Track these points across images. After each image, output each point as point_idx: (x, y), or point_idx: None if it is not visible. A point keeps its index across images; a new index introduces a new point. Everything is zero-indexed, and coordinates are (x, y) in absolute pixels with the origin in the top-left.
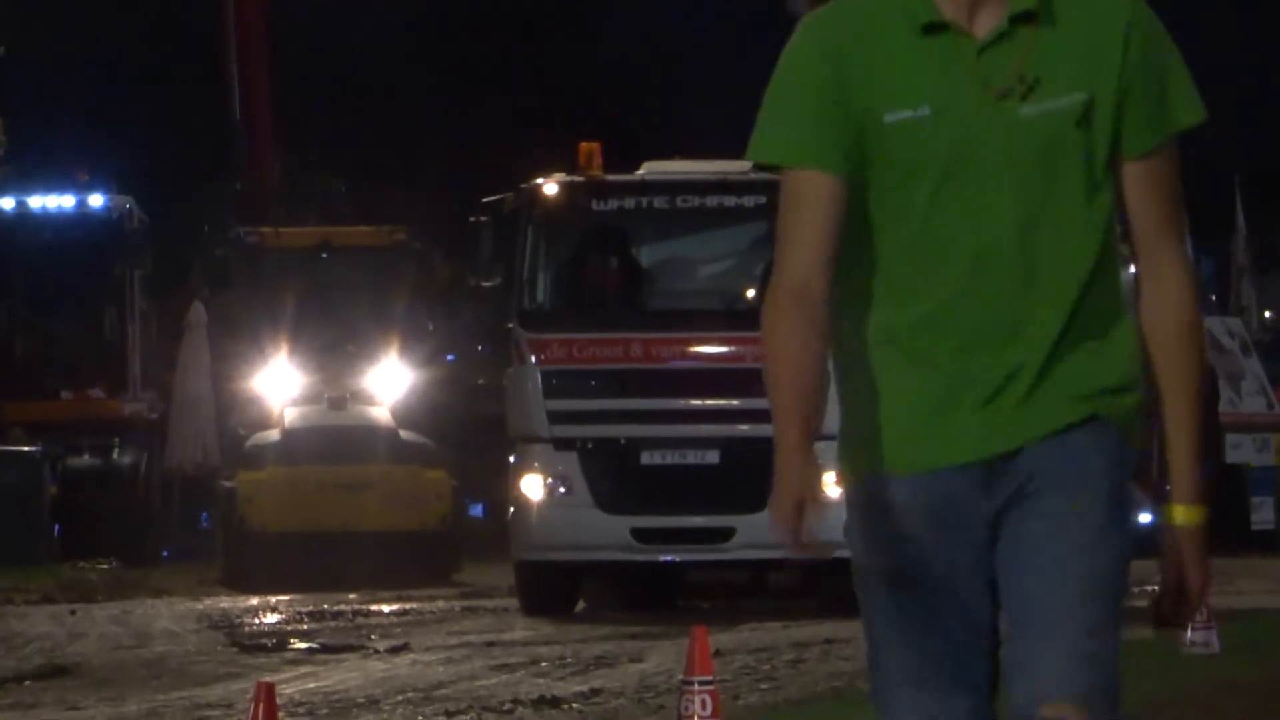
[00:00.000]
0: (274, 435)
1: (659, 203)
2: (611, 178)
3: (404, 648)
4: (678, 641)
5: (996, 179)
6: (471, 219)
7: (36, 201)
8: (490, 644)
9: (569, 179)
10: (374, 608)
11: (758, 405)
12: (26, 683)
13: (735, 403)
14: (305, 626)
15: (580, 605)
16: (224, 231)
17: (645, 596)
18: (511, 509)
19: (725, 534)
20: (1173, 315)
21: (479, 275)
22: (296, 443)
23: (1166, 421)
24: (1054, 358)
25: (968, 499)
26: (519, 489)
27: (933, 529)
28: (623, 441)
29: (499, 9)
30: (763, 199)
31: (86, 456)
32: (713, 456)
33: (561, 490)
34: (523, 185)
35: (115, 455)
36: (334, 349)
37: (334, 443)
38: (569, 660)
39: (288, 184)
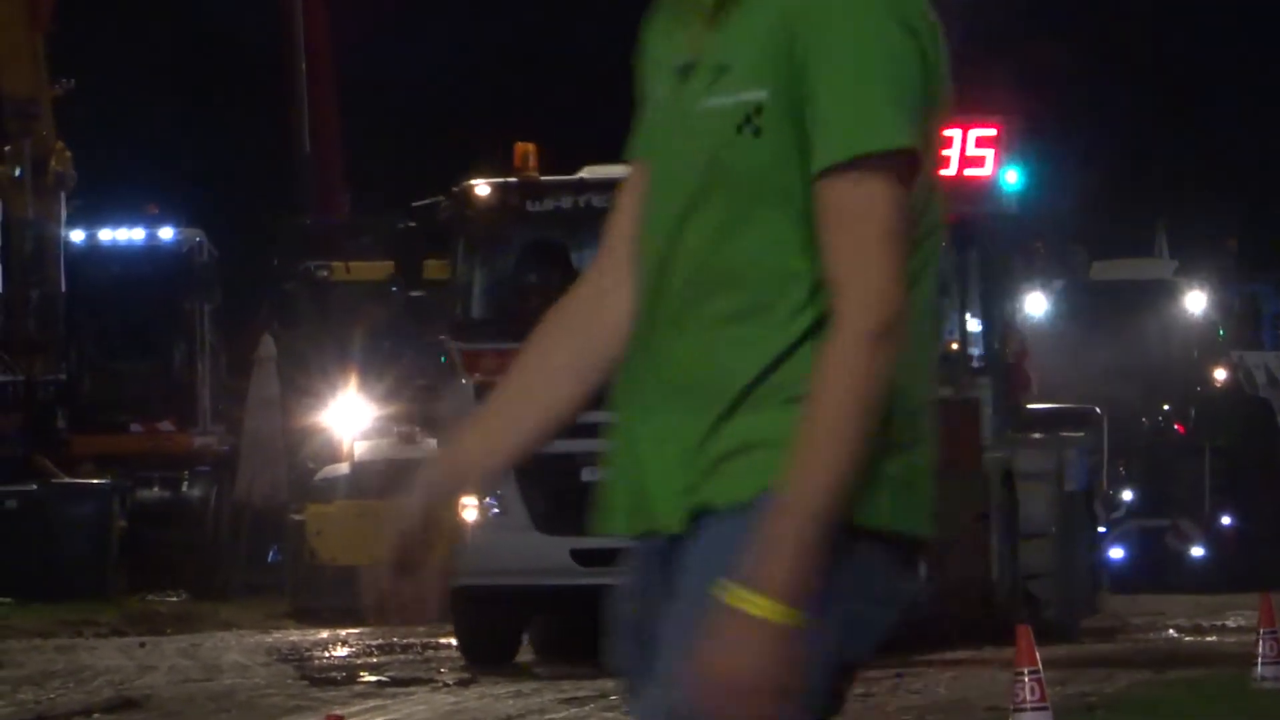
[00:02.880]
0: (343, 469)
1: (598, 202)
2: (547, 178)
3: (472, 681)
4: None
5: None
6: (401, 225)
7: (106, 235)
8: (559, 678)
9: (502, 180)
10: (443, 640)
11: None
12: (96, 715)
13: None
14: (374, 659)
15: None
16: (294, 266)
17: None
18: None
19: None
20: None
21: (409, 285)
22: (366, 476)
23: None
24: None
25: None
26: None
27: None
28: (561, 457)
29: (562, 39)
30: None
31: (156, 490)
32: None
33: (496, 511)
34: (454, 188)
35: (184, 488)
36: (403, 383)
37: (404, 476)
38: None
39: (357, 218)
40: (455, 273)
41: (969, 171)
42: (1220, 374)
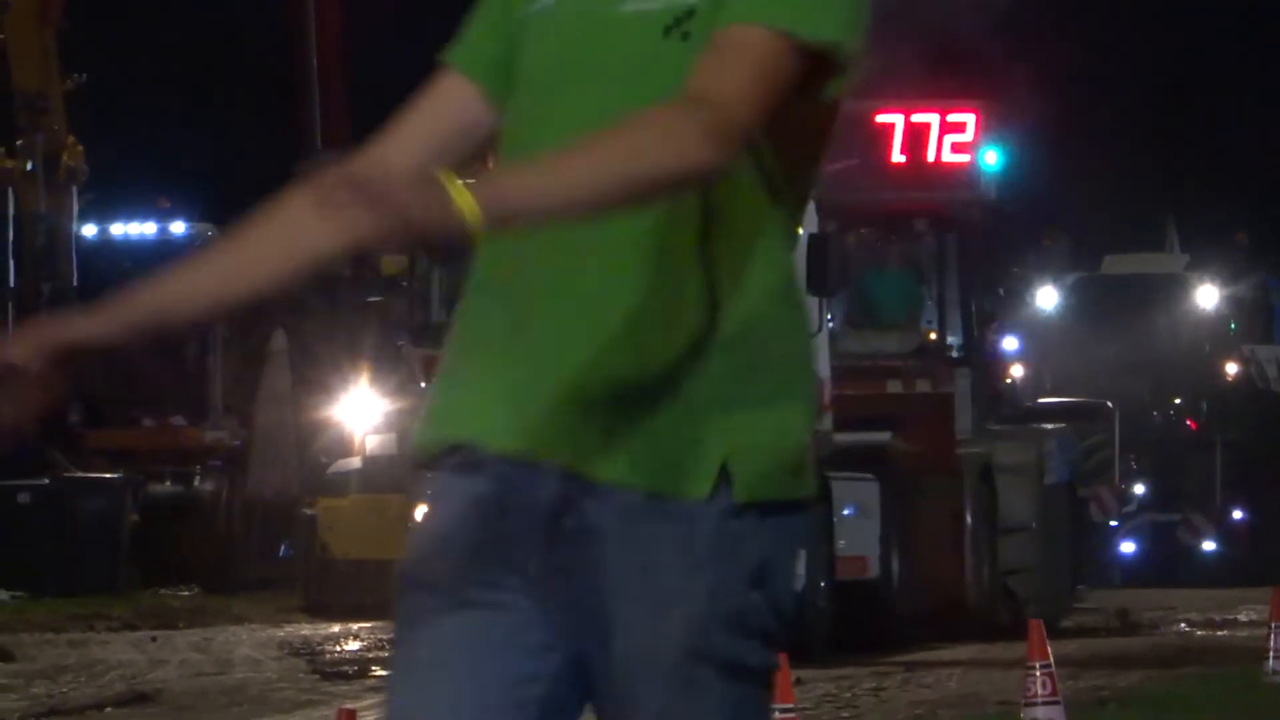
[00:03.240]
0: (355, 463)
1: None
2: None
3: None
4: None
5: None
6: None
7: (118, 229)
8: None
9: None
10: None
11: None
12: (108, 709)
13: None
14: (386, 653)
15: None
16: None
17: None
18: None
19: None
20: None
21: (364, 286)
22: (378, 470)
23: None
24: None
25: None
26: (414, 522)
27: None
28: None
29: None
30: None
31: (168, 484)
32: None
33: None
34: None
35: (196, 483)
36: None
37: (414, 472)
38: None
39: None
40: (413, 277)
41: (947, 158)
42: (1231, 368)
